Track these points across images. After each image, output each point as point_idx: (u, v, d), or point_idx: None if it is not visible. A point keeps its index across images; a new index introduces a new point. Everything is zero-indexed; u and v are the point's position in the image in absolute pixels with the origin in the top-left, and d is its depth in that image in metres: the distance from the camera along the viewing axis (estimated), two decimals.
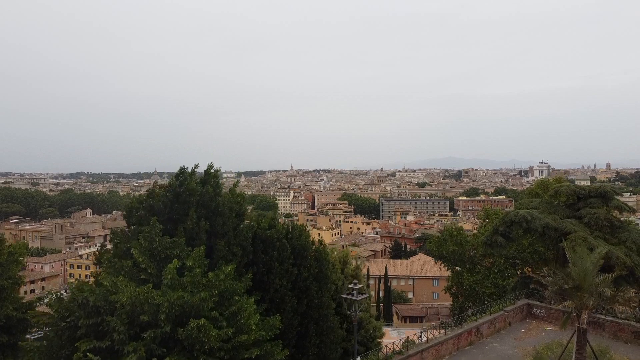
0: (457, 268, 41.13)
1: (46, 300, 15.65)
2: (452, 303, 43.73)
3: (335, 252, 27.78)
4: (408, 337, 19.87)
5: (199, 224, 16.91)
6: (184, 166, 18.78)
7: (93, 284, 15.97)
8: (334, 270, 24.19)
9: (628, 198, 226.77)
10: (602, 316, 23.15)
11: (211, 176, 19.71)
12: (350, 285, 17.38)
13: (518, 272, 37.57)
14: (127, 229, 17.92)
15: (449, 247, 39.64)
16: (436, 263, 45.09)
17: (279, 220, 24.19)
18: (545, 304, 25.68)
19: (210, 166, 19.80)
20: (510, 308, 25.38)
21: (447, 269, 42.33)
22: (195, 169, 19.03)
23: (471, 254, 39.49)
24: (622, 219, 31.44)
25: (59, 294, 15.92)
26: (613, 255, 24.51)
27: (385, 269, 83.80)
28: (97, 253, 19.00)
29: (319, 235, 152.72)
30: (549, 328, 24.54)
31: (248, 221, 20.46)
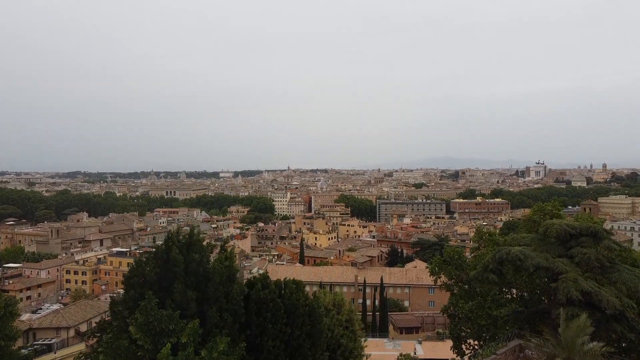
0: (456, 290, 41.25)
1: None
2: (450, 324, 43.86)
3: (328, 297, 27.89)
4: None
5: (187, 295, 16.91)
6: (169, 232, 18.72)
7: None
8: (328, 315, 24.35)
9: (623, 200, 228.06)
10: None
11: (195, 240, 19.19)
12: None
13: (515, 296, 37.78)
14: (123, 300, 17.86)
15: (451, 272, 39.86)
16: (435, 283, 45.22)
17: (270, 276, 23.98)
18: (537, 342, 25.94)
19: (193, 228, 19.66)
20: (502, 351, 25.60)
21: (447, 291, 42.42)
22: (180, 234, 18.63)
23: (470, 275, 39.57)
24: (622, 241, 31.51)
25: None
26: (603, 299, 24.85)
27: (381, 279, 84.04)
28: (99, 323, 19.04)
29: (316, 239, 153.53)
30: None
31: (245, 279, 20.41)
